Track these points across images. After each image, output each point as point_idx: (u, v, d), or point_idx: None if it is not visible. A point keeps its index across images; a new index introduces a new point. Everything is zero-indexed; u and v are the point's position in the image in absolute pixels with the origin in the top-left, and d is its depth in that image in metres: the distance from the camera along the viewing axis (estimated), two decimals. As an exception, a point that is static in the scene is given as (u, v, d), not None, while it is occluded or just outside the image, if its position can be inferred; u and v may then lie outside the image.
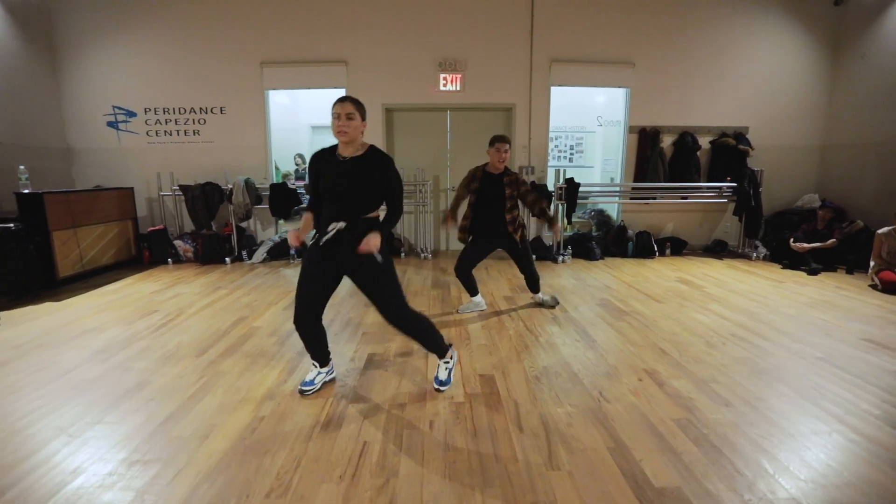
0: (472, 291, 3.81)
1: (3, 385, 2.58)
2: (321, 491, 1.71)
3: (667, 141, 6.37)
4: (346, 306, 3.98)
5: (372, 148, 2.25)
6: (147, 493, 1.71)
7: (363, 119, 2.20)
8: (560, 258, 5.84)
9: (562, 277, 5.02)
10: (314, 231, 2.30)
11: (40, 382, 2.60)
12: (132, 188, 5.84)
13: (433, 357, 2.86)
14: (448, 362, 2.52)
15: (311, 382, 2.45)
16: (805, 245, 5.34)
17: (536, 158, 6.38)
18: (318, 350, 2.45)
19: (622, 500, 1.65)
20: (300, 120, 8.18)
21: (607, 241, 6.28)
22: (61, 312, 3.88)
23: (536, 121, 6.31)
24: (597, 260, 5.94)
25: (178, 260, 5.85)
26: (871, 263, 4.60)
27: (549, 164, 6.61)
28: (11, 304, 4.10)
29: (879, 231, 4.58)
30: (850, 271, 5.15)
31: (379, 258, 2.18)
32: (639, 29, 6.12)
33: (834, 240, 5.25)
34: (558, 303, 3.96)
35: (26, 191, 4.52)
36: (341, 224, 2.17)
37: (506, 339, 3.23)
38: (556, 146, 8.14)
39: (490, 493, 1.68)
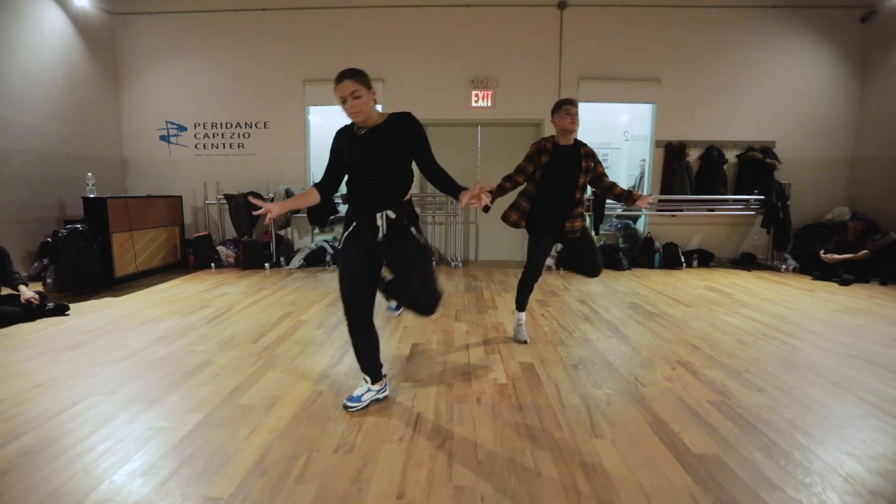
0: (523, 304, 3.21)
1: (85, 360, 2.84)
2: (383, 450, 1.88)
3: (693, 155, 6.48)
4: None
5: (391, 115, 2.10)
6: (227, 446, 1.90)
7: (369, 89, 2.01)
8: (587, 267, 5.95)
9: (590, 285, 5.14)
10: (345, 228, 2.15)
11: (116, 360, 2.85)
12: (180, 196, 6.23)
13: (476, 346, 3.02)
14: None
15: (359, 399, 2.21)
16: (836, 256, 5.35)
17: (563, 171, 6.55)
18: (370, 359, 2.23)
19: (664, 463, 1.77)
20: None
21: (634, 252, 6.37)
22: (122, 306, 4.18)
23: (564, 135, 6.51)
24: (624, 270, 6.03)
25: (220, 265, 6.16)
26: (905, 273, 4.59)
27: (576, 177, 6.77)
28: (76, 297, 4.42)
29: (912, 241, 4.59)
30: (883, 282, 5.13)
31: (421, 239, 2.12)
32: (665, 46, 6.33)
33: (866, 251, 5.25)
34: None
35: (92, 195, 4.91)
36: (390, 214, 2.05)
37: (541, 334, 3.36)
38: (582, 162, 8.32)
39: (540, 455, 1.82)
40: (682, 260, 6.25)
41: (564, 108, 2.84)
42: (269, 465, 1.76)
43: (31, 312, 3.70)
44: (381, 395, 2.30)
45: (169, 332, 3.41)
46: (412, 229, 2.13)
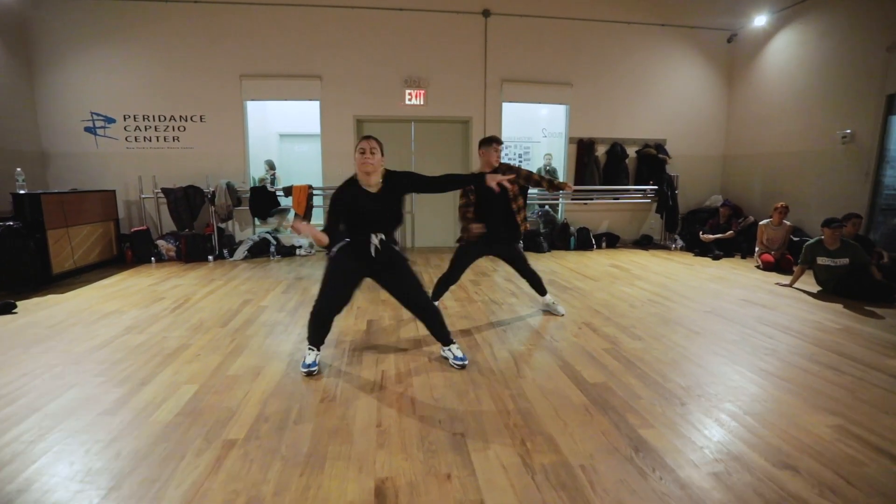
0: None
1: (60, 350, 3.03)
2: (360, 396, 2.39)
3: (601, 150, 7.45)
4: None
5: (387, 172, 2.63)
6: (229, 404, 2.31)
7: (382, 155, 2.56)
8: (514, 251, 6.71)
9: (516, 266, 5.88)
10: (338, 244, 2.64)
11: (93, 348, 3.07)
12: (114, 191, 6.13)
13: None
14: (454, 344, 2.88)
15: (315, 363, 2.70)
16: (710, 236, 6.54)
17: (491, 165, 7.24)
18: (322, 337, 2.77)
19: (568, 390, 2.45)
20: (269, 128, 8.64)
21: (553, 236, 7.24)
22: (72, 301, 4.24)
23: (490, 132, 7.19)
24: (544, 252, 6.88)
25: (161, 259, 6.18)
26: (756, 249, 5.80)
27: (502, 169, 7.50)
28: (15, 296, 4.37)
29: (761, 223, 5.79)
30: (744, 256, 6.38)
31: (408, 256, 2.77)
32: (576, 54, 7.18)
33: (732, 232, 6.48)
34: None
35: (22, 192, 4.79)
36: (381, 237, 2.60)
37: (476, 309, 4.01)
38: (507, 154, 9.11)
39: (480, 392, 2.44)
40: (594, 242, 7.22)
41: (493, 145, 3.38)
42: (270, 414, 2.22)
43: (-23, 312, 3.71)
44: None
45: (137, 322, 3.61)
46: (396, 247, 2.74)
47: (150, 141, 6.48)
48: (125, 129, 6.41)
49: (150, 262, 6.08)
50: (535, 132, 8.99)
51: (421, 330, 3.42)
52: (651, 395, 2.38)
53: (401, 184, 2.64)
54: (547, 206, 7.69)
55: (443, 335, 2.85)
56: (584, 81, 7.28)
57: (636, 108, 7.48)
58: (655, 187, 7.25)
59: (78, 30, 6.17)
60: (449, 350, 2.85)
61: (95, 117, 6.35)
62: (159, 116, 6.45)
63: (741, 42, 7.40)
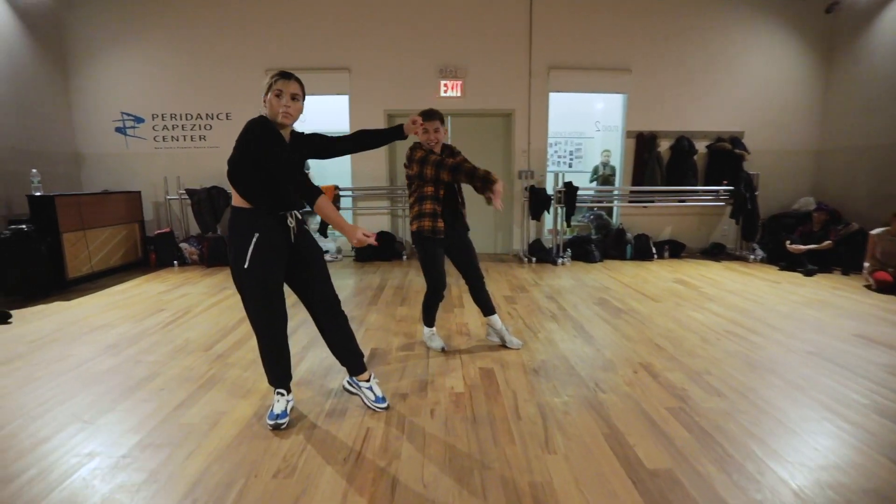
0: (432, 320, 3.05)
1: (20, 375, 2.67)
2: (326, 472, 1.79)
3: (664, 145, 6.47)
4: (351, 304, 4.07)
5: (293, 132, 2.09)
6: (159, 472, 1.79)
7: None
8: (560, 260, 5.92)
9: (561, 279, 5.10)
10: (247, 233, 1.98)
11: (55, 373, 2.69)
12: (139, 192, 5.96)
13: (433, 351, 2.95)
14: (367, 376, 2.29)
15: (285, 413, 2.11)
16: (801, 247, 5.42)
17: (536, 163, 6.48)
18: (280, 377, 2.16)
19: (615, 479, 1.72)
20: (302, 126, 8.32)
21: (606, 243, 6.36)
22: (71, 311, 3.97)
23: (535, 126, 6.43)
24: (596, 262, 6.02)
25: (184, 262, 5.94)
26: (866, 264, 4.67)
27: (549, 168, 6.73)
28: (23, 303, 4.19)
29: (873, 232, 4.65)
30: (845, 272, 5.22)
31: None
32: (636, 35, 6.25)
33: (829, 241, 5.33)
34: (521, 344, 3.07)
35: (38, 193, 4.64)
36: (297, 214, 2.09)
37: (505, 335, 3.30)
38: (556, 151, 8.27)
39: (488, 474, 1.76)
40: (654, 251, 6.27)
41: (423, 125, 2.61)
42: (201, 495, 1.66)
43: (-31, 322, 3.49)
44: (292, 403, 2.22)
45: (119, 340, 3.24)
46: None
47: (178, 140, 6.28)
48: (153, 128, 6.25)
49: (172, 265, 5.86)
50: (587, 126, 8.09)
51: (432, 364, 2.78)
52: (740, 499, 1.61)
53: (303, 141, 2.11)
54: (599, 210, 6.81)
55: (350, 360, 2.24)
56: (644, 67, 6.33)
57: (707, 95, 6.43)
58: (730, 188, 6.17)
59: (109, 30, 6.05)
60: (359, 386, 2.26)
61: (125, 117, 6.22)
62: (186, 115, 6.24)
63: (844, 13, 6.14)
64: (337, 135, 2.23)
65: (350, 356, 2.24)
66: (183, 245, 5.96)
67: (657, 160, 6.44)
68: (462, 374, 2.67)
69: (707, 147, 6.45)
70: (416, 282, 5.00)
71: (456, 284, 4.84)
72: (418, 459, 1.86)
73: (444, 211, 2.76)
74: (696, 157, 6.41)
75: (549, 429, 2.07)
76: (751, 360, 2.81)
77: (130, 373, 2.70)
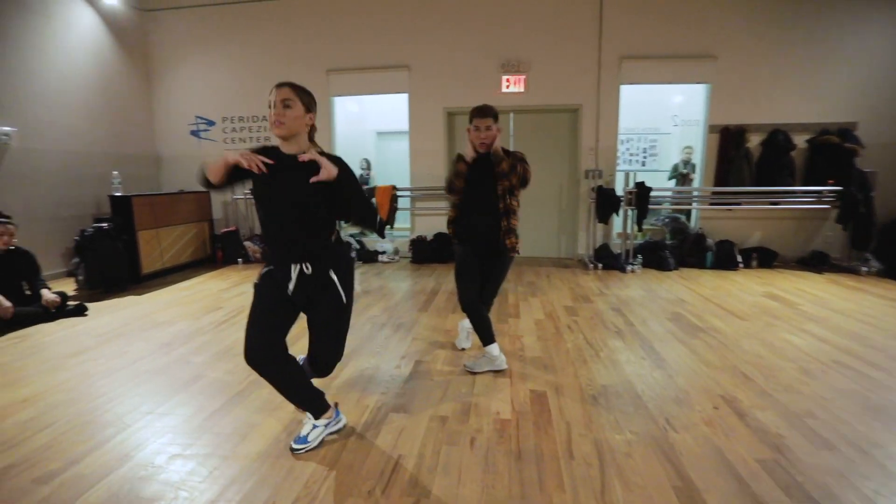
0: (488, 337, 2.65)
1: (80, 371, 2.77)
2: (348, 505, 1.61)
3: (754, 140, 5.73)
4: (402, 309, 3.93)
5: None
6: (181, 488, 1.71)
7: (308, 110, 1.82)
8: (629, 267, 5.42)
9: (630, 288, 4.64)
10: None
11: (108, 371, 2.76)
12: (209, 192, 6.23)
13: (481, 374, 2.70)
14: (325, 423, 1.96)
15: (305, 440, 1.92)
16: (930, 259, 4.53)
17: (604, 161, 6.00)
18: (300, 395, 1.97)
19: (689, 552, 1.39)
20: (366, 126, 8.39)
21: (683, 250, 5.75)
22: (140, 306, 4.17)
23: (605, 121, 5.95)
24: (670, 270, 5.45)
25: (248, 260, 6.14)
26: None
27: (620, 167, 6.22)
28: (101, 296, 4.48)
29: None
30: None
31: (344, 299, 1.91)
32: (722, 18, 5.58)
33: (970, 253, 4.41)
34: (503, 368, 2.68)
35: (118, 194, 4.95)
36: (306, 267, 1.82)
37: (563, 352, 2.98)
38: (627, 149, 7.68)
39: (530, 528, 1.49)
40: (739, 259, 5.57)
41: (474, 122, 2.50)
42: (215, 522, 1.54)
43: (51, 314, 3.75)
44: (335, 427, 2.01)
45: (174, 338, 3.31)
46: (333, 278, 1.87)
47: (245, 142, 6.52)
48: (223, 130, 6.53)
49: (237, 263, 6.07)
50: (662, 121, 7.42)
51: (479, 383, 2.53)
52: None
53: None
54: (676, 212, 6.19)
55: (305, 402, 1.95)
56: (732, 52, 5.63)
57: (809, 82, 5.60)
58: (838, 188, 5.32)
59: (186, 37, 6.40)
60: (313, 423, 1.95)
61: (199, 121, 6.56)
62: (252, 117, 6.45)
63: None
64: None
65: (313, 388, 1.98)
66: (247, 243, 6.16)
67: (745, 157, 5.72)
68: (510, 396, 2.40)
69: (808, 141, 5.63)
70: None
71: (513, 292, 4.56)
72: (452, 498, 1.63)
73: (470, 222, 2.59)
74: (793, 154, 5.61)
75: (607, 474, 1.75)
76: (871, 403, 2.28)
77: (177, 374, 2.71)
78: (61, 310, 3.81)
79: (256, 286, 1.89)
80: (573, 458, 1.86)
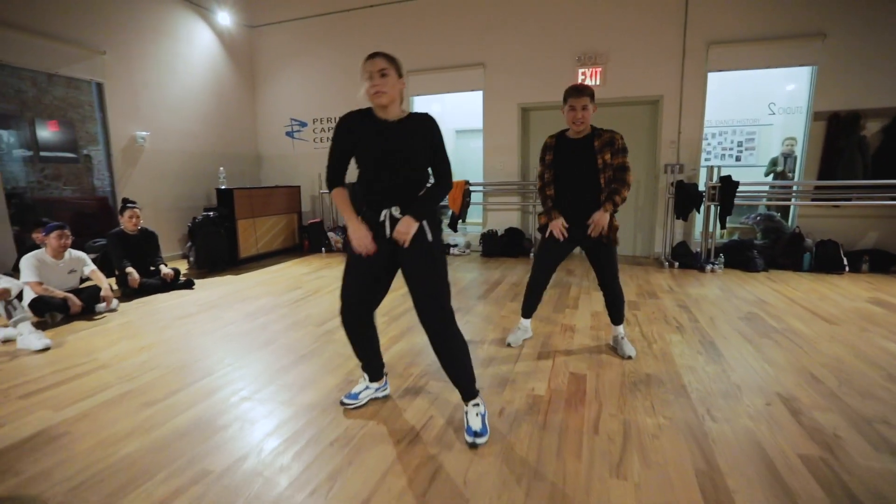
0: (529, 311, 2.88)
1: (183, 330, 3.29)
2: (377, 449, 1.80)
3: (871, 127, 5.06)
4: (463, 297, 4.09)
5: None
6: (245, 420, 2.01)
7: (399, 76, 1.87)
8: (709, 267, 5.07)
9: (704, 287, 4.36)
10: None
11: (205, 332, 3.25)
12: (299, 187, 6.90)
13: (532, 349, 2.76)
14: (479, 405, 1.93)
15: (356, 396, 2.14)
16: None
17: (688, 156, 5.67)
18: (369, 358, 2.14)
19: (696, 527, 1.38)
20: (446, 124, 8.65)
21: (775, 250, 5.24)
22: (235, 284, 4.77)
23: (688, 113, 5.62)
24: (757, 272, 5.01)
25: (330, 249, 6.68)
26: None
27: (710, 162, 5.82)
28: (206, 274, 5.19)
29: None
30: None
31: (430, 237, 1.86)
32: (831, -7, 5.01)
33: None
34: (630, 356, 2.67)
35: (223, 187, 5.69)
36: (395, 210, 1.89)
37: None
38: (720, 143, 7.11)
39: (536, 486, 1.57)
40: (845, 262, 4.95)
41: (569, 102, 2.48)
42: (267, 445, 1.81)
43: (167, 285, 4.44)
44: (380, 394, 2.22)
45: (258, 310, 3.78)
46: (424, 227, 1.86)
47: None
48: (313, 131, 7.17)
49: (320, 251, 6.64)
50: (758, 111, 6.78)
51: (521, 363, 2.61)
52: None
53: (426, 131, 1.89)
54: (771, 210, 5.66)
55: (462, 381, 1.91)
56: (844, 28, 5.03)
57: (946, 59, 4.82)
58: (978, 182, 4.53)
59: (284, 48, 7.13)
60: (466, 410, 1.92)
61: (293, 122, 7.26)
62: (338, 118, 6.99)
63: None
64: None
65: (456, 381, 1.95)
66: (330, 234, 6.71)
67: (859, 146, 5.07)
68: (549, 376, 2.45)
69: (941, 128, 4.85)
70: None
71: (578, 285, 4.51)
72: (469, 455, 1.75)
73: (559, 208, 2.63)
74: (921, 142, 4.87)
75: (628, 450, 1.76)
76: (964, 413, 2.00)
77: (256, 337, 3.12)
78: (175, 283, 4.50)
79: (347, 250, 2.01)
80: (597, 434, 1.88)
